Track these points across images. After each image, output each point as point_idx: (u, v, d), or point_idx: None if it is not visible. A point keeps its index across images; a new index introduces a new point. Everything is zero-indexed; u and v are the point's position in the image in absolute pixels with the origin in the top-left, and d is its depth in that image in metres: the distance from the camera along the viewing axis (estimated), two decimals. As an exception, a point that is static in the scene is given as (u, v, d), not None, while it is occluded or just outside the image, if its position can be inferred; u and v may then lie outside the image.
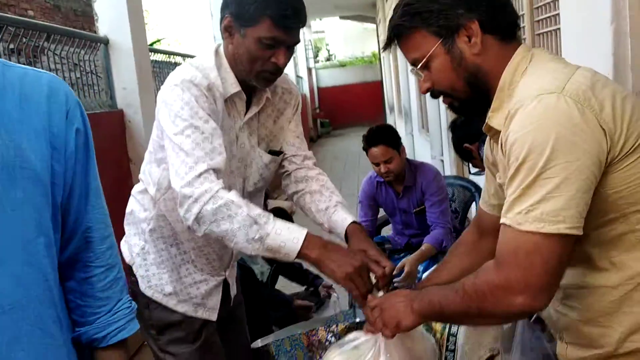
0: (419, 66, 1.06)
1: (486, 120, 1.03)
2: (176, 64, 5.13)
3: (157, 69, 4.37)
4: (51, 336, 0.86)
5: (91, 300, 0.95)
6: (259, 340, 1.46)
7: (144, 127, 3.24)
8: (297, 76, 13.39)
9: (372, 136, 2.52)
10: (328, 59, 20.53)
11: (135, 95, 3.25)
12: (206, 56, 1.37)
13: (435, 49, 1.03)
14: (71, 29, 3.07)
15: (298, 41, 1.35)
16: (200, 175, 1.21)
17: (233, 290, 1.57)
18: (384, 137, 2.50)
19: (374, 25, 16.05)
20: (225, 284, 1.53)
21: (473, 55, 1.02)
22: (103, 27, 3.21)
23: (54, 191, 0.86)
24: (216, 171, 1.24)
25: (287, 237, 1.19)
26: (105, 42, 3.18)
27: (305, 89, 14.62)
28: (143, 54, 3.40)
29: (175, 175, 1.23)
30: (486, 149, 1.19)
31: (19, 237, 0.81)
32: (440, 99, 1.11)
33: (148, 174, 1.42)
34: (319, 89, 17.82)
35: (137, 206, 1.46)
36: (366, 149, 2.53)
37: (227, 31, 1.34)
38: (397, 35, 1.08)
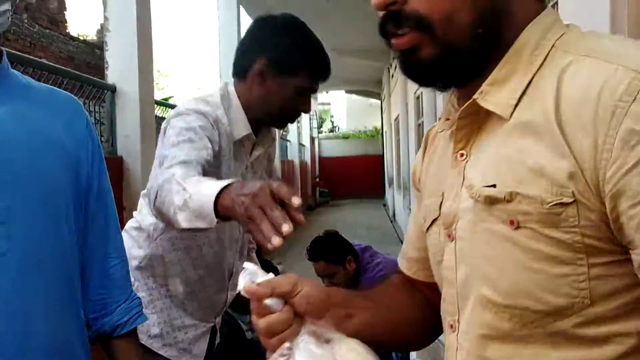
0: None
1: (475, 99, 0.63)
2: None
3: (159, 124, 4.42)
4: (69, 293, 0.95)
5: (113, 290, 1.04)
6: None
7: (141, 176, 3.22)
8: (300, 144, 13.58)
9: (312, 250, 2.41)
10: (332, 130, 20.93)
11: (137, 144, 3.25)
12: (213, 93, 1.37)
13: None
14: (82, 74, 3.11)
15: None
16: (170, 167, 1.14)
17: (218, 338, 1.52)
18: (325, 252, 2.40)
19: (378, 101, 16.45)
20: (213, 331, 1.47)
21: None
22: (112, 75, 3.26)
23: (80, 179, 0.98)
24: (186, 162, 1.15)
25: (207, 192, 0.98)
26: (113, 89, 3.22)
27: (307, 158, 14.77)
28: (148, 104, 3.43)
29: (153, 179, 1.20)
30: (419, 166, 0.84)
31: (52, 199, 0.92)
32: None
33: (146, 212, 1.39)
34: (320, 158, 18.03)
35: (130, 242, 1.41)
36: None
37: (260, 75, 1.34)
38: None
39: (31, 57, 2.71)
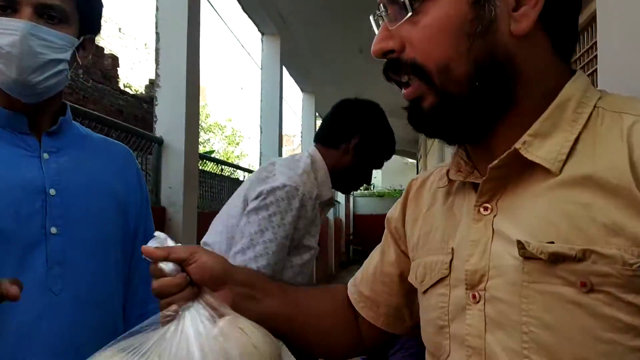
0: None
1: (515, 147, 0.60)
2: (222, 176, 5.34)
3: (201, 178, 4.54)
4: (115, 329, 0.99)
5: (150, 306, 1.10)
6: None
7: (182, 226, 3.30)
8: (335, 201, 13.62)
9: None
10: (367, 188, 20.94)
11: (180, 195, 3.35)
12: (302, 158, 1.57)
13: None
14: (132, 126, 3.27)
15: None
16: (254, 259, 1.39)
17: None
18: None
19: (414, 160, 16.47)
20: None
21: (511, 34, 0.60)
22: (160, 129, 3.41)
23: (129, 224, 1.06)
24: (266, 268, 1.39)
25: None
26: (160, 142, 3.36)
27: (342, 214, 14.76)
28: (193, 157, 3.56)
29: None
30: (398, 217, 0.82)
31: (103, 243, 1.01)
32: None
33: None
34: (355, 215, 17.97)
35: None
36: None
37: (352, 149, 1.62)
38: None
39: (85, 109, 2.86)
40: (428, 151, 11.80)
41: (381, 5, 0.64)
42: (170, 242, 0.75)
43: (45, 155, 0.98)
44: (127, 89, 9.76)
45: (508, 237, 0.59)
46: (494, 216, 0.62)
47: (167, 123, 3.42)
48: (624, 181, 0.54)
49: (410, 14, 0.61)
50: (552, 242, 0.55)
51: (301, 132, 9.25)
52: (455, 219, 0.68)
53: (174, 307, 0.69)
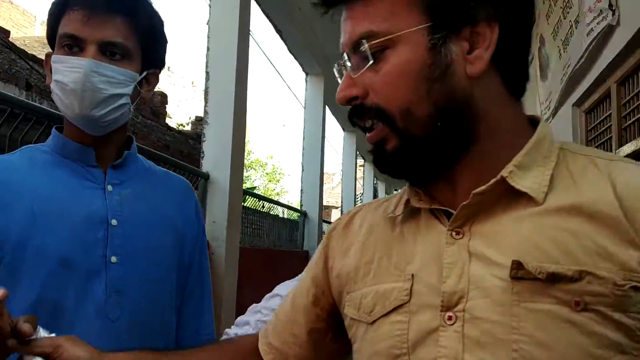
0: (369, 44, 0.63)
1: (502, 175, 0.63)
2: (262, 213, 5.38)
3: (243, 214, 4.58)
4: None
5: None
6: None
7: (224, 261, 3.33)
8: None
9: None
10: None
11: (223, 230, 3.38)
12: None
13: (413, 32, 0.62)
14: (180, 162, 3.35)
15: None
16: None
17: None
18: None
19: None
20: None
21: (467, 76, 0.63)
22: (207, 164, 3.48)
23: (184, 258, 1.08)
24: None
25: None
26: (206, 177, 3.42)
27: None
28: (237, 193, 3.60)
29: None
30: (321, 253, 0.81)
31: (159, 273, 1.03)
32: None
33: None
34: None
35: None
36: None
37: None
38: None
39: (138, 144, 2.95)
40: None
41: (344, 54, 0.68)
42: (42, 334, 0.75)
43: (110, 187, 1.02)
44: (175, 126, 10.03)
45: (489, 259, 0.61)
46: (469, 240, 0.64)
47: (214, 159, 3.49)
48: (614, 211, 0.58)
49: (371, 62, 0.64)
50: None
51: (342, 170, 9.28)
52: (409, 246, 0.69)
53: None
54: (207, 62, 3.48)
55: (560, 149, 0.67)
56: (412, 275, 0.66)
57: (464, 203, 0.64)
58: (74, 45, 0.97)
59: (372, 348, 0.68)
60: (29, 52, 6.84)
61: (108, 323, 0.95)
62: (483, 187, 0.63)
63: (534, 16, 0.69)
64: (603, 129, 2.72)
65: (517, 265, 0.59)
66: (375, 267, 0.71)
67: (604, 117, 2.70)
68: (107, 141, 1.04)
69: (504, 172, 0.63)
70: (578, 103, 3.02)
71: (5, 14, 15.83)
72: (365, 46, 0.63)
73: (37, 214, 0.95)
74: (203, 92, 3.65)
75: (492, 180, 0.63)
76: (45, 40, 1.05)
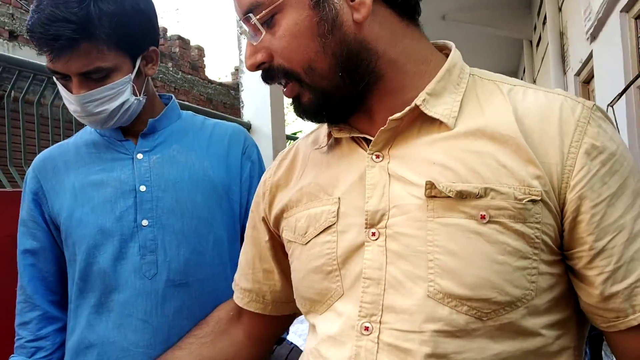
0: (259, 16, 0.67)
1: (416, 103, 0.68)
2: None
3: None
4: (206, 310, 1.03)
5: None
6: None
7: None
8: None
9: None
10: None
11: (270, 177, 3.44)
12: None
13: None
14: (221, 113, 3.39)
15: None
16: None
17: None
18: None
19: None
20: None
21: (356, 22, 0.67)
22: (247, 113, 3.51)
23: (233, 206, 1.12)
24: None
25: None
26: (248, 126, 3.46)
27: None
28: (280, 139, 3.63)
29: None
30: (266, 189, 0.85)
31: (195, 229, 1.06)
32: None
33: None
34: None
35: None
36: None
37: None
38: None
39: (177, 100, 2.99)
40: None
41: (241, 22, 0.71)
42: None
43: (140, 156, 1.08)
44: (216, 79, 10.09)
45: (407, 180, 0.67)
46: (388, 162, 0.70)
47: (254, 108, 3.50)
48: (513, 132, 0.65)
49: (264, 33, 0.68)
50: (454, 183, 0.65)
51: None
52: (335, 172, 0.75)
53: None
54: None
55: (470, 75, 0.72)
56: (339, 199, 0.72)
57: (382, 128, 0.69)
58: (61, 77, 1.01)
59: (306, 266, 0.75)
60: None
61: (145, 280, 1.03)
62: (399, 114, 0.68)
63: None
64: (655, 34, 2.56)
65: (430, 185, 0.65)
66: (307, 192, 0.77)
67: (655, 21, 2.54)
68: (133, 122, 1.09)
69: (417, 101, 0.68)
70: (626, 8, 2.83)
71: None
72: (254, 18, 0.67)
73: (77, 190, 1.07)
74: (236, 40, 3.63)
75: (407, 108, 0.68)
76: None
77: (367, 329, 0.67)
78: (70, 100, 1.01)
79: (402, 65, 0.70)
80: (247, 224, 0.92)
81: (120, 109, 1.03)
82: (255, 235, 0.89)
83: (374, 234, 0.68)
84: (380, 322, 0.66)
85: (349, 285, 0.70)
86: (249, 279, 0.90)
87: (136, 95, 1.05)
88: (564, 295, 0.67)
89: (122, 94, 1.02)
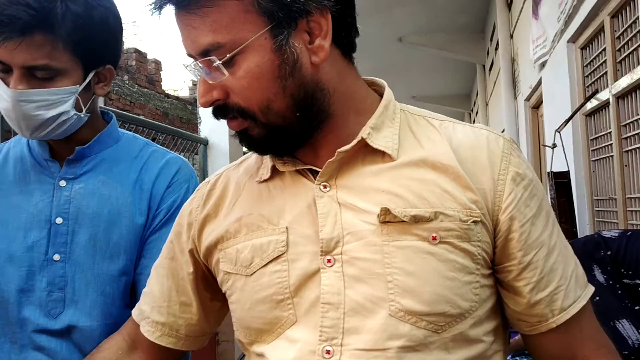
0: (220, 57, 0.67)
1: (362, 137, 0.72)
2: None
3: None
4: None
5: None
6: None
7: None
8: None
9: None
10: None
11: (226, 193, 3.41)
12: None
13: (257, 38, 0.66)
14: (179, 129, 3.35)
15: None
16: None
17: None
18: None
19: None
20: None
21: (313, 64, 0.70)
22: (205, 129, 3.48)
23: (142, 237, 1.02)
24: None
25: None
26: (205, 142, 3.43)
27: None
28: (238, 155, 3.59)
29: None
30: (190, 222, 0.84)
31: (107, 270, 0.99)
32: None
33: None
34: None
35: None
36: None
37: None
38: None
39: (133, 115, 2.94)
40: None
41: (193, 59, 0.70)
42: None
43: (62, 183, 1.01)
44: (172, 92, 9.97)
45: (358, 208, 0.71)
46: (336, 192, 0.73)
47: (211, 123, 3.48)
48: (451, 162, 0.72)
49: (226, 74, 0.68)
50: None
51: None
52: (279, 202, 0.75)
53: None
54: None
55: (402, 110, 0.78)
56: (287, 228, 0.73)
57: (330, 160, 0.72)
58: (5, 69, 0.91)
59: (253, 297, 0.74)
60: None
61: (50, 319, 0.96)
62: (347, 147, 0.72)
63: None
64: (598, 64, 2.69)
65: (385, 211, 0.69)
66: (247, 223, 0.77)
67: (598, 51, 2.67)
68: (66, 139, 1.00)
69: (363, 134, 0.73)
70: (573, 39, 2.97)
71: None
72: (214, 58, 0.67)
73: None
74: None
75: (354, 141, 0.72)
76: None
77: (328, 352, 0.68)
78: (2, 96, 0.91)
79: (347, 102, 0.74)
80: (161, 255, 0.88)
81: (57, 120, 0.94)
82: (173, 267, 0.85)
83: (329, 260, 0.70)
84: (341, 345, 0.68)
85: (303, 312, 0.71)
86: (163, 312, 0.86)
87: (79, 111, 0.97)
88: (496, 304, 0.74)
89: (63, 104, 0.93)
